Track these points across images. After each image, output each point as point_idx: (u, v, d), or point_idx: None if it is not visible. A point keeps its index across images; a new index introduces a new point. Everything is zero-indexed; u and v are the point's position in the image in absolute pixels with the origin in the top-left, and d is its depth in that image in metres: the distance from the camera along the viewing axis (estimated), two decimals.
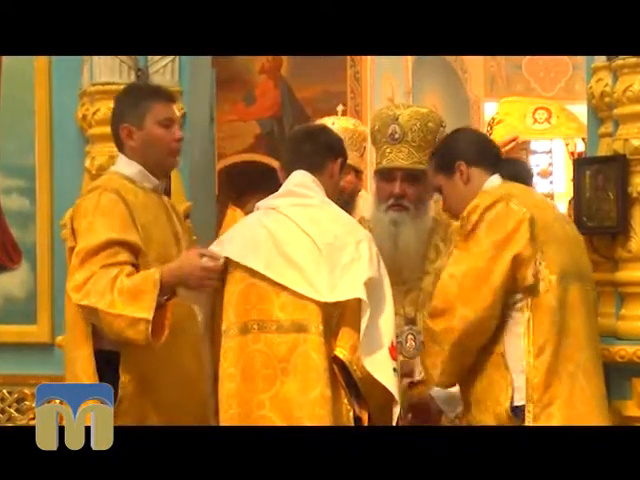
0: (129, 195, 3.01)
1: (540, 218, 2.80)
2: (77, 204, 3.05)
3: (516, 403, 2.74)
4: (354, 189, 4.26)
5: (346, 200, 3.96)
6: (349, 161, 3.25)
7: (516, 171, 3.00)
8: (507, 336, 2.78)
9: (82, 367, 2.93)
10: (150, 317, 2.77)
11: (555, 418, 2.70)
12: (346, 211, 3.03)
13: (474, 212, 2.81)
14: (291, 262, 2.74)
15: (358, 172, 4.32)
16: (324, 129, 3.15)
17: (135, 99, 3.13)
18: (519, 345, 2.75)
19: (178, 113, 3.24)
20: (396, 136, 3.27)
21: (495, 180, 2.96)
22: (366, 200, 4.06)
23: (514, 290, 2.77)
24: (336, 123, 4.29)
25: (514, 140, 4.83)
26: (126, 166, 3.11)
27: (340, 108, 4.68)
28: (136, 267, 2.90)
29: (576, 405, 2.72)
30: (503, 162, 3.03)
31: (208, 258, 2.80)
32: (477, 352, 2.80)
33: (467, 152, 2.99)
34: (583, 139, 9.40)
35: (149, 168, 3.12)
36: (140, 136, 3.09)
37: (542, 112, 10.39)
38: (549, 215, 2.86)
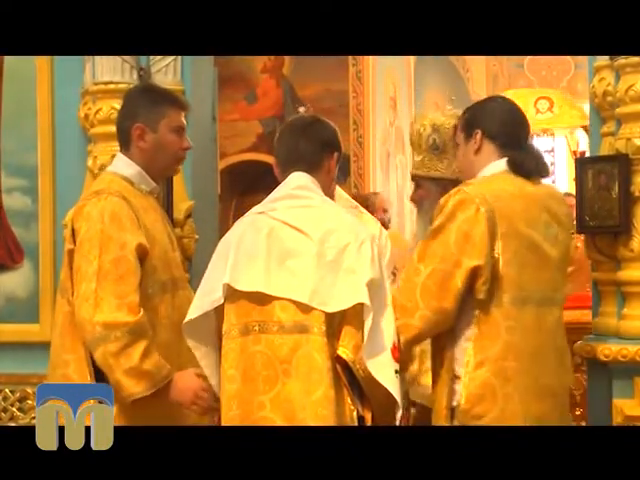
0: (130, 197, 3.00)
1: (512, 233, 2.72)
2: (79, 207, 2.99)
3: (453, 403, 2.76)
4: None
5: None
6: None
7: (522, 161, 2.85)
8: (457, 340, 2.77)
9: (76, 369, 2.92)
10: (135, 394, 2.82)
11: None
12: None
13: (445, 206, 2.76)
14: (292, 272, 2.70)
15: None
16: (318, 122, 2.99)
17: (152, 102, 3.11)
18: (465, 352, 2.75)
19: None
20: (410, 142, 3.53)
21: (499, 166, 2.86)
22: (340, 198, 3.93)
23: (470, 298, 2.74)
24: None
25: None
26: (125, 167, 3.09)
27: (302, 109, 4.59)
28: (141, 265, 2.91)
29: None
30: (521, 148, 2.89)
31: (203, 388, 2.86)
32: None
33: (488, 123, 2.90)
34: (585, 129, 9.39)
35: (150, 171, 3.10)
36: (152, 139, 3.08)
37: (544, 102, 10.41)
38: (526, 231, 2.75)
